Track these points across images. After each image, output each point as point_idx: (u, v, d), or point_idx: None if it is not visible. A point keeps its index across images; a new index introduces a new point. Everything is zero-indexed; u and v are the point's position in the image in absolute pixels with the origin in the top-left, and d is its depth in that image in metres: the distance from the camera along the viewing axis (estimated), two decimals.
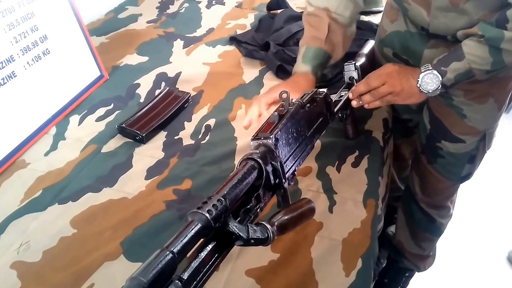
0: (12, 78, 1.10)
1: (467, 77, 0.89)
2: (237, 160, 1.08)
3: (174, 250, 0.44)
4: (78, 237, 0.92)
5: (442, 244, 1.52)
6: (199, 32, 1.66)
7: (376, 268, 1.00)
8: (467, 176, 1.20)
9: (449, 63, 0.88)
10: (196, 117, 1.24)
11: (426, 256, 1.48)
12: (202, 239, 0.50)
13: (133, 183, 1.04)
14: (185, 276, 0.46)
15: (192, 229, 0.47)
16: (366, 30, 1.57)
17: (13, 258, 0.89)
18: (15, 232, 0.94)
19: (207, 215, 0.48)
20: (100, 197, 1.01)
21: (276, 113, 0.74)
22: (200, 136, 1.17)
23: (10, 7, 1.11)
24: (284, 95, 0.75)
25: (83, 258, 0.88)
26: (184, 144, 1.15)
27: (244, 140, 1.14)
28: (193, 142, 1.16)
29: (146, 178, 1.05)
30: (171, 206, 0.97)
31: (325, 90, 0.90)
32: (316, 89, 0.89)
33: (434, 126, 1.15)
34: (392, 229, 1.55)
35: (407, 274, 1.59)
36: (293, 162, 0.73)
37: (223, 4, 1.87)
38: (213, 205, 0.50)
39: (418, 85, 0.91)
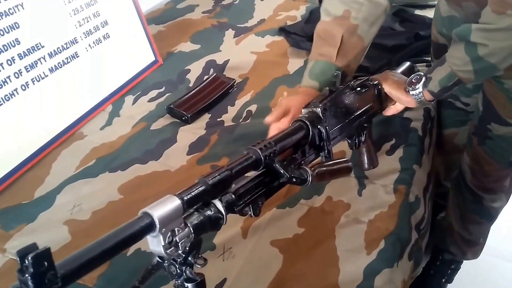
0: (75, 58, 1.23)
1: (454, 82, 0.85)
2: None
3: (232, 169, 0.57)
4: (124, 202, 1.02)
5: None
6: (250, 23, 1.72)
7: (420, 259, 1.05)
8: None
9: (434, 69, 0.88)
10: (239, 102, 1.30)
11: (474, 242, 1.44)
12: (253, 172, 0.62)
13: (176, 157, 1.12)
14: (239, 192, 0.58)
15: (247, 159, 0.61)
16: (417, 24, 1.55)
17: (66, 217, 0.99)
18: (69, 194, 1.05)
19: (259, 151, 0.61)
20: (146, 169, 1.10)
21: (327, 88, 0.83)
22: (241, 120, 1.23)
23: None
24: (337, 74, 0.83)
25: (127, 220, 0.96)
26: (225, 125, 1.21)
27: None
28: (234, 124, 1.22)
29: (188, 153, 1.13)
30: None
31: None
32: (368, 76, 0.93)
33: (485, 108, 1.14)
34: (442, 214, 1.53)
35: (452, 267, 1.56)
36: (339, 133, 0.82)
37: None
38: (265, 145, 0.63)
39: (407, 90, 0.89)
